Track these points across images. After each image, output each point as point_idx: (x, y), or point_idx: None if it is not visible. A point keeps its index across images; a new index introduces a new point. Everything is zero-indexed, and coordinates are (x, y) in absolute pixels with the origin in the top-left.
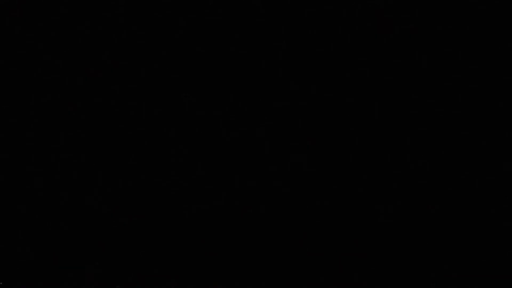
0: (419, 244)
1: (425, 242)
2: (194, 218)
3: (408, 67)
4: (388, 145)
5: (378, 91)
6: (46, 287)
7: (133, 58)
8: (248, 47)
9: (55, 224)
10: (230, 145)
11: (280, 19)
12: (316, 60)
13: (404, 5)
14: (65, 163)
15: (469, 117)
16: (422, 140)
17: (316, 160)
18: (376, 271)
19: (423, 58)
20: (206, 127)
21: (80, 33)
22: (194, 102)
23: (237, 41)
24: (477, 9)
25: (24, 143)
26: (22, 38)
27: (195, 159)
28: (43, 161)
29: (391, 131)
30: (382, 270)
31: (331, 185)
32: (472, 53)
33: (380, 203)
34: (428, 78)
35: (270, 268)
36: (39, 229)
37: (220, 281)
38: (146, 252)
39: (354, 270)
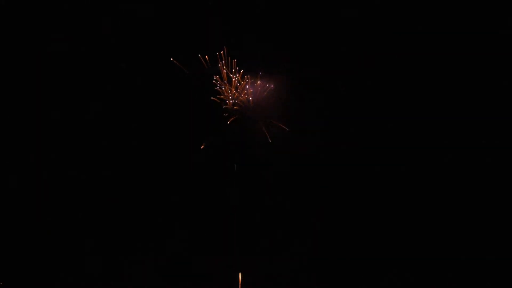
0: (419, 244)
1: (425, 242)
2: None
3: (407, 67)
4: (388, 145)
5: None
6: (46, 287)
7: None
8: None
9: (54, 224)
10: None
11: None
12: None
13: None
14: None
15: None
16: (421, 140)
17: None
18: (376, 271)
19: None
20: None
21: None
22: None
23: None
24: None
25: None
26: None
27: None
28: (43, 163)
29: (390, 130)
30: (381, 270)
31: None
32: (472, 52)
33: (380, 203)
34: (429, 79)
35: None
36: (39, 229)
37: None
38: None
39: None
